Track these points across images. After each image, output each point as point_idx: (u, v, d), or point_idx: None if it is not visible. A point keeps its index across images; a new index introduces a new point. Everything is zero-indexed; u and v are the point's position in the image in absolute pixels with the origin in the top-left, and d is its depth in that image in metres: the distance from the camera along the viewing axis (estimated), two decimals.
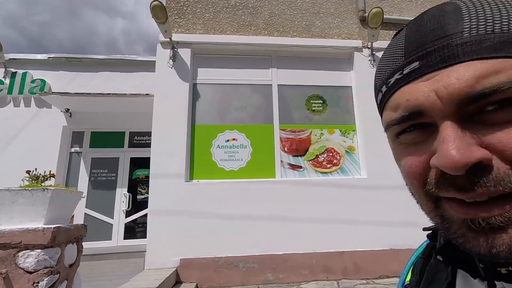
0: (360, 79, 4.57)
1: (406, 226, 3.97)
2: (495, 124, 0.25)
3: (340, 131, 4.52)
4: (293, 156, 4.32)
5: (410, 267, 0.43)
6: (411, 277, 0.41)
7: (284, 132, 4.37)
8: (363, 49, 4.67)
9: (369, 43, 4.59)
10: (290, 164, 4.28)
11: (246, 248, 3.87)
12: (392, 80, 0.29)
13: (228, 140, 4.14)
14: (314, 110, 4.53)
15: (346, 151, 4.46)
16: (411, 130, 0.29)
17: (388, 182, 4.18)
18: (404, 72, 0.28)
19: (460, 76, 0.25)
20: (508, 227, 0.24)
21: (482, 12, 0.26)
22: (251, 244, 3.87)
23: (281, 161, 4.25)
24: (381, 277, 3.86)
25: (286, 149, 4.32)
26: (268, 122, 4.37)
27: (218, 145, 4.14)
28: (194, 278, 3.68)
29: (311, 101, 4.56)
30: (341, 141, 4.49)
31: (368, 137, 4.39)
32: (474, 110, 0.25)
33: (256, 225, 3.90)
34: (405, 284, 0.42)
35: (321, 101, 4.58)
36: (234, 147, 4.16)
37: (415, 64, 0.27)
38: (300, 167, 4.30)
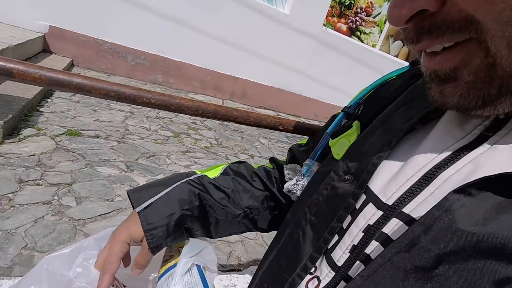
0: None
1: (294, 72, 4.33)
2: None
3: None
4: None
5: (373, 87, 0.42)
6: (372, 93, 0.42)
7: None
8: None
9: None
10: None
11: (139, 42, 3.53)
12: None
13: None
14: None
15: None
16: None
17: (302, 27, 4.09)
18: None
19: None
20: (457, 78, 0.22)
21: None
22: (145, 40, 3.53)
23: None
24: (260, 107, 4.35)
25: None
26: None
27: None
28: (70, 53, 3.29)
29: None
30: None
31: None
32: None
33: (154, 21, 3.45)
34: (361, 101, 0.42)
35: None
36: None
37: None
38: None
